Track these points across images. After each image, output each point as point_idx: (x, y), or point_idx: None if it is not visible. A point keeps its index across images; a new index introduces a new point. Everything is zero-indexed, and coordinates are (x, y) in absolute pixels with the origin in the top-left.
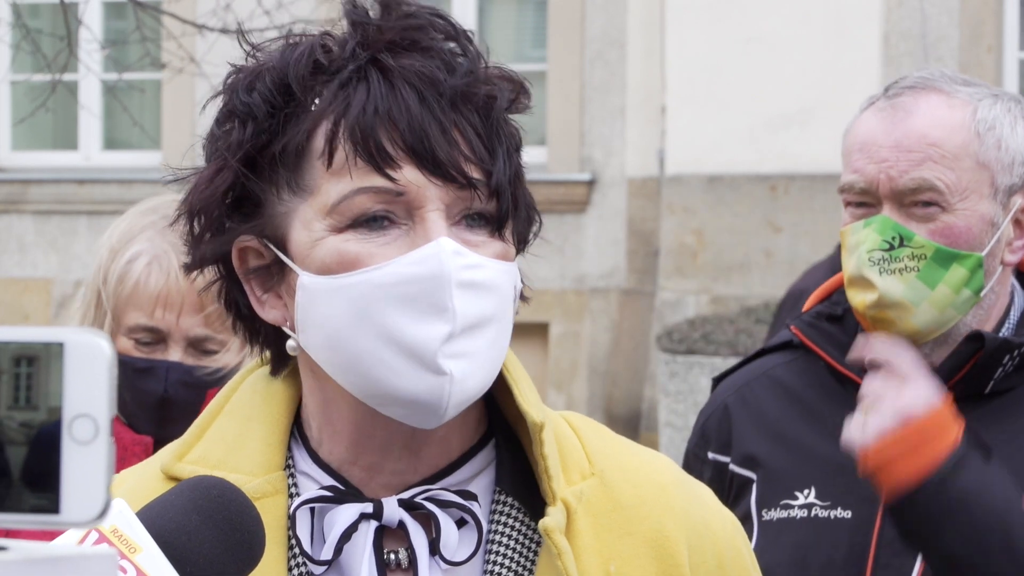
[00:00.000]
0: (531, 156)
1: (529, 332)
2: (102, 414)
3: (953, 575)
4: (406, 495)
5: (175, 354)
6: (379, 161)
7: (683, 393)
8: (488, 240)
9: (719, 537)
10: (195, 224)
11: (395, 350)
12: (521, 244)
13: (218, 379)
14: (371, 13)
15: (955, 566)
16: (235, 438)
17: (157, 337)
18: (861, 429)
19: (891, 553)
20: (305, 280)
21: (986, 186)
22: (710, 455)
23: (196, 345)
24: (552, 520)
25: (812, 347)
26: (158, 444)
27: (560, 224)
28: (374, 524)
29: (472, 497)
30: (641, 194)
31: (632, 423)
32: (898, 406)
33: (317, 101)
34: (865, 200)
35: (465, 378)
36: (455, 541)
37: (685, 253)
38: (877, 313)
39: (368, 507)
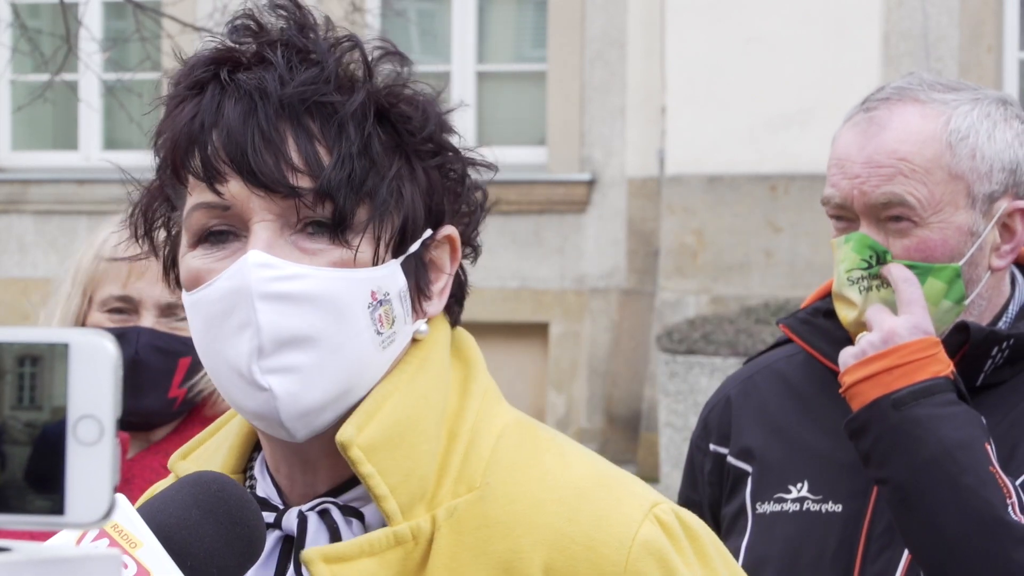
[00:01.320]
0: (531, 156)
1: (529, 332)
2: (107, 415)
3: (901, 508)
4: (306, 507)
5: (147, 321)
6: (206, 176)
7: (683, 393)
8: (327, 247)
9: (607, 560)
10: (138, 229)
11: (227, 366)
12: (402, 244)
13: (191, 348)
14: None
15: (902, 498)
16: (223, 439)
17: (130, 307)
18: (850, 350)
19: (880, 547)
20: (182, 295)
21: (962, 197)
22: (711, 447)
23: (167, 312)
24: (319, 549)
25: (799, 342)
26: (129, 423)
27: (560, 224)
28: (277, 532)
29: (358, 515)
30: (641, 194)
31: (632, 423)
32: (885, 328)
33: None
34: (843, 214)
35: (293, 393)
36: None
37: (685, 253)
38: (860, 329)
39: (270, 516)
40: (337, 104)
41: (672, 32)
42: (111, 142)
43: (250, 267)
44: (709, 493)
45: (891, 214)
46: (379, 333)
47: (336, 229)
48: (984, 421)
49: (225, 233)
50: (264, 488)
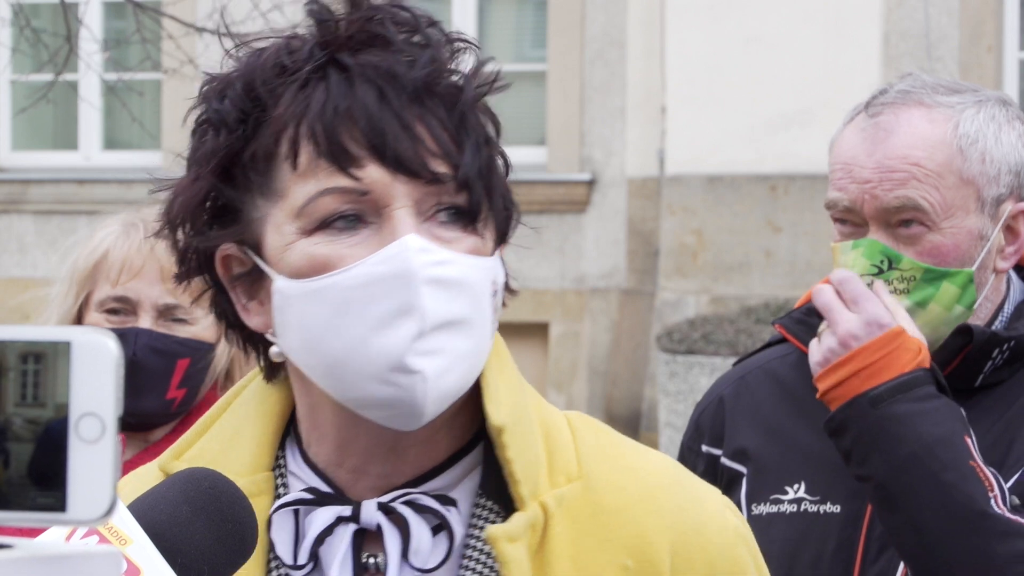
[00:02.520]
0: (531, 156)
1: (529, 332)
2: (109, 413)
3: (884, 506)
4: (385, 498)
5: (145, 322)
6: (341, 161)
7: (683, 393)
8: (461, 235)
9: (713, 544)
10: (178, 234)
11: (366, 352)
12: (501, 238)
13: (189, 349)
14: (336, 10)
15: (884, 496)
16: (229, 438)
17: (127, 307)
18: (813, 352)
19: (880, 548)
20: (280, 284)
21: (972, 201)
22: (704, 448)
23: (165, 314)
24: (501, 527)
25: (795, 343)
26: (127, 423)
27: (560, 224)
28: (352, 527)
29: (451, 503)
30: (641, 194)
31: (632, 423)
32: (840, 332)
33: (281, 103)
34: (850, 218)
35: (440, 375)
36: (427, 547)
37: (685, 253)
38: None
39: (346, 510)
40: (457, 90)
41: (672, 32)
42: (111, 142)
43: (413, 251)
44: None
45: (903, 218)
46: (492, 323)
47: (470, 217)
48: (964, 414)
49: (349, 218)
50: (308, 482)
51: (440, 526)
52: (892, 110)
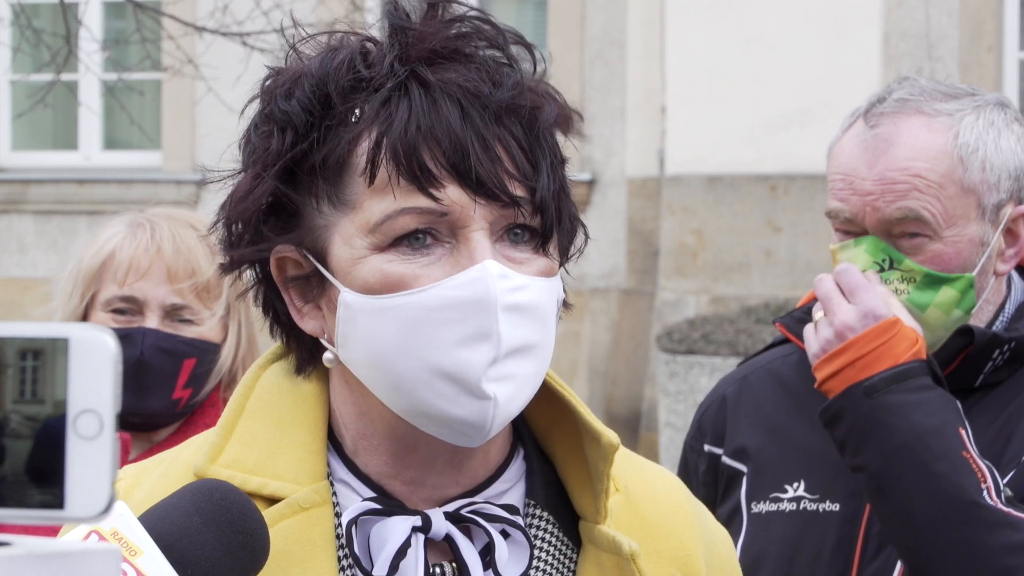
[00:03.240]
0: None
1: None
2: (107, 410)
3: (877, 496)
4: (450, 508)
5: (151, 322)
6: (423, 181)
7: (683, 393)
8: (532, 257)
9: (725, 550)
10: (232, 230)
11: (439, 374)
12: (563, 255)
13: (196, 349)
14: (413, 16)
15: (877, 486)
16: (269, 442)
17: (134, 307)
18: (810, 342)
19: (878, 546)
20: (347, 297)
21: (973, 209)
22: (706, 447)
23: (172, 314)
24: (628, 542)
25: (795, 341)
26: (133, 423)
27: None
28: (422, 538)
29: (515, 511)
30: (641, 194)
31: (632, 423)
32: (836, 323)
33: (358, 113)
34: (851, 229)
35: (509, 401)
36: (507, 555)
37: (685, 253)
38: None
39: (418, 520)
40: (536, 111)
41: (672, 32)
42: (111, 142)
43: (493, 277)
44: (703, 494)
45: (906, 230)
46: (553, 340)
47: (543, 238)
48: (959, 405)
49: (423, 237)
50: (361, 493)
51: (504, 533)
52: (891, 120)
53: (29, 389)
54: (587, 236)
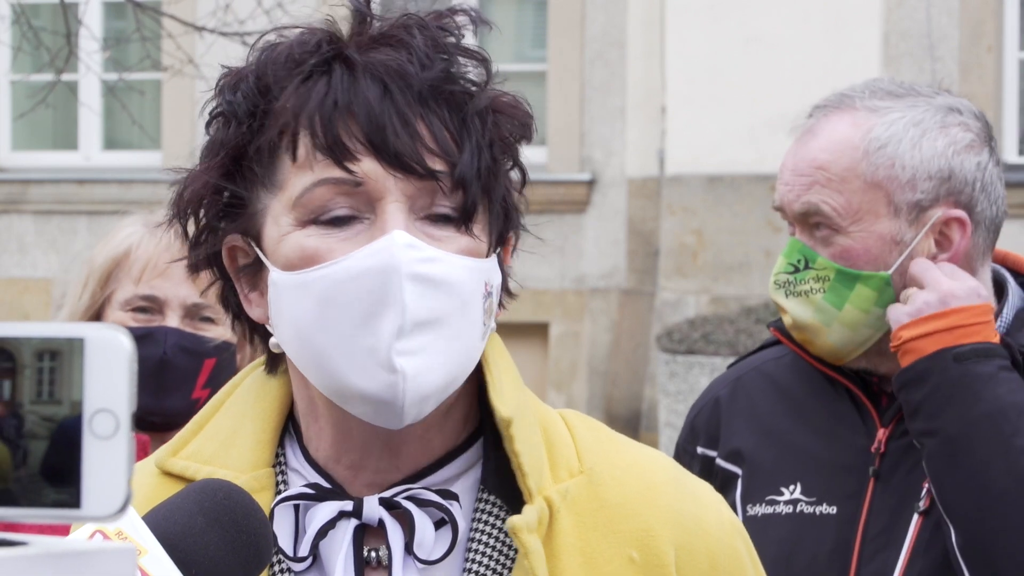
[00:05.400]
0: (531, 156)
1: (529, 332)
2: (123, 409)
3: (946, 462)
4: (387, 493)
5: (172, 322)
6: (337, 154)
7: (683, 393)
8: (454, 235)
9: (713, 537)
10: (188, 225)
11: (351, 346)
12: (499, 240)
13: (217, 350)
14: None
15: (950, 452)
16: (228, 435)
17: (154, 306)
18: (902, 307)
19: (875, 549)
20: (274, 276)
21: (882, 205)
22: (699, 450)
23: (193, 313)
24: (521, 518)
25: (789, 345)
26: (153, 423)
27: (560, 224)
28: (354, 522)
29: (452, 496)
30: (641, 194)
31: (632, 423)
32: (943, 289)
33: (285, 94)
34: (787, 218)
35: (418, 375)
36: (430, 540)
37: (685, 253)
38: (796, 334)
39: (347, 505)
40: (467, 97)
41: (672, 32)
42: (111, 142)
43: (399, 247)
44: None
45: (812, 222)
46: (484, 324)
47: (464, 217)
48: None
49: (345, 215)
50: (308, 478)
51: (443, 521)
52: (824, 114)
53: (46, 390)
54: (521, 224)
